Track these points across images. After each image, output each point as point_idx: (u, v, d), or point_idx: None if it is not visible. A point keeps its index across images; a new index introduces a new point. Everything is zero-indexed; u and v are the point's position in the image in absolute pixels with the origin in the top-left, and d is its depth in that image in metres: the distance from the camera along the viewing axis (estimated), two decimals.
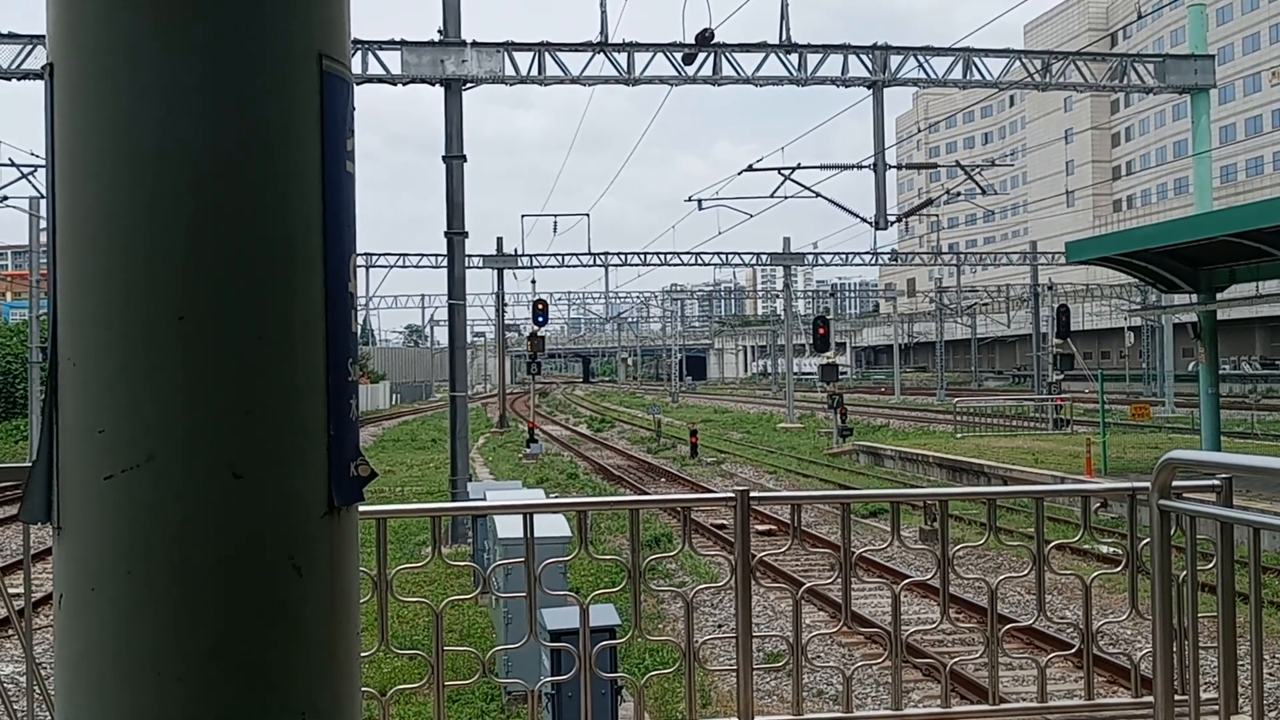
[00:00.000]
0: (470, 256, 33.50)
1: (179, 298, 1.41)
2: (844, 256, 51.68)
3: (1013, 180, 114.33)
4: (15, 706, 4.42)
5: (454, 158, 20.10)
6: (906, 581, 6.38)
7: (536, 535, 5.05)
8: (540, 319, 41.55)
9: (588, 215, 48.15)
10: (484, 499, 13.88)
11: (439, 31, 20.17)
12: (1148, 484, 4.68)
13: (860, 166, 24.38)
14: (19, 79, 20.12)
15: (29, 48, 19.90)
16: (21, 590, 4.57)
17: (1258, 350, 76.66)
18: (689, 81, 21.66)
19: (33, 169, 28.12)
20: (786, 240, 51.49)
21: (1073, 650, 5.62)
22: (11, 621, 8.82)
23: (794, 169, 24.55)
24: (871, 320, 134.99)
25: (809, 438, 43.40)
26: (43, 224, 29.48)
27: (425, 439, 47.93)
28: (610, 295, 62.10)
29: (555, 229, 49.65)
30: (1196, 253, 20.72)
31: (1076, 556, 15.43)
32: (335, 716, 1.53)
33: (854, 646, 12.54)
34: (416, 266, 54.12)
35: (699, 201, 30.97)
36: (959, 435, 36.37)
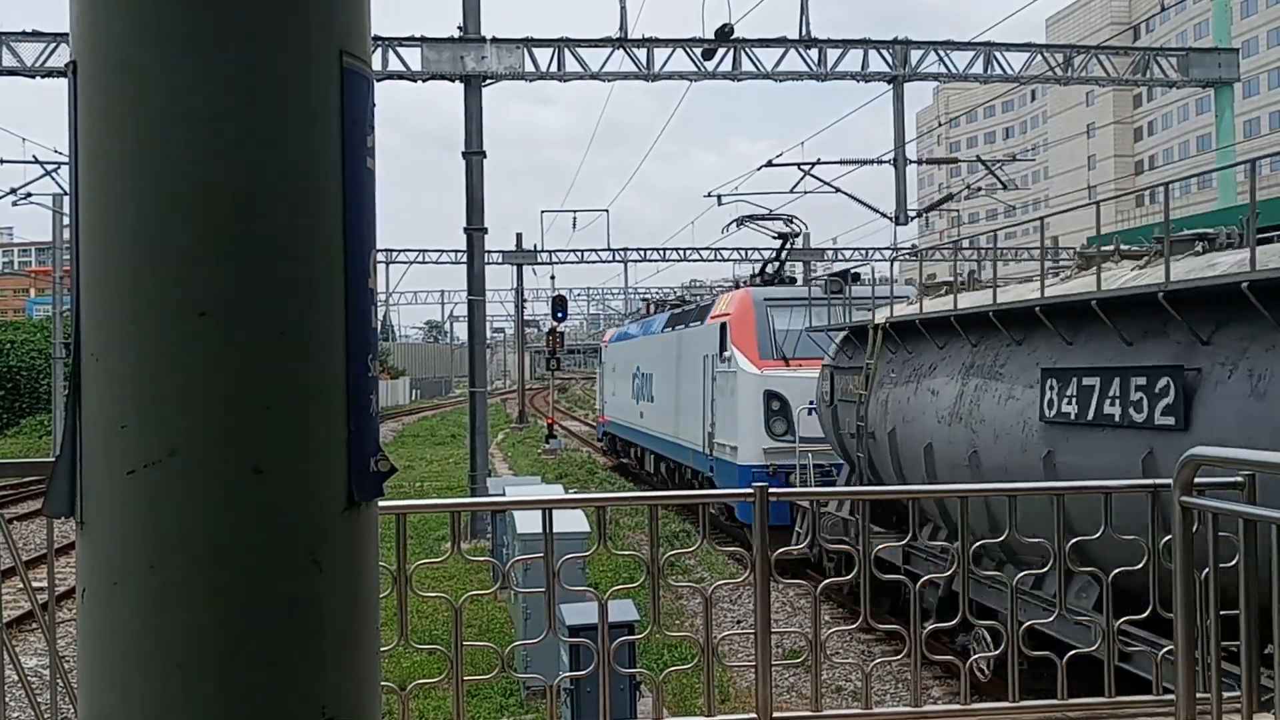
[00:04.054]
0: (490, 252, 33.54)
1: (201, 294, 1.42)
2: (864, 252, 51.52)
3: (1034, 175, 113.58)
4: (39, 699, 4.45)
5: (474, 154, 20.14)
6: (925, 579, 6.36)
7: (555, 531, 5.06)
8: (560, 315, 41.59)
9: (607, 211, 48.16)
10: (503, 495, 13.91)
11: (459, 28, 20.20)
12: (1170, 481, 4.65)
13: (880, 162, 24.27)
14: (43, 76, 20.23)
15: (52, 45, 20.01)
16: (45, 584, 4.61)
17: None
18: (708, 77, 21.61)
19: (56, 166, 28.28)
20: (806, 236, 51.34)
21: (1094, 647, 5.59)
22: (36, 615, 8.88)
23: (813, 164, 24.41)
24: None
25: None
26: (66, 220, 29.64)
27: (445, 434, 48.05)
28: (630, 291, 61.95)
29: (575, 225, 49.56)
30: None
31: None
32: (355, 710, 1.54)
33: (872, 643, 12.52)
34: (436, 262, 54.15)
35: (718, 197, 30.91)
36: None
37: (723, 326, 19.85)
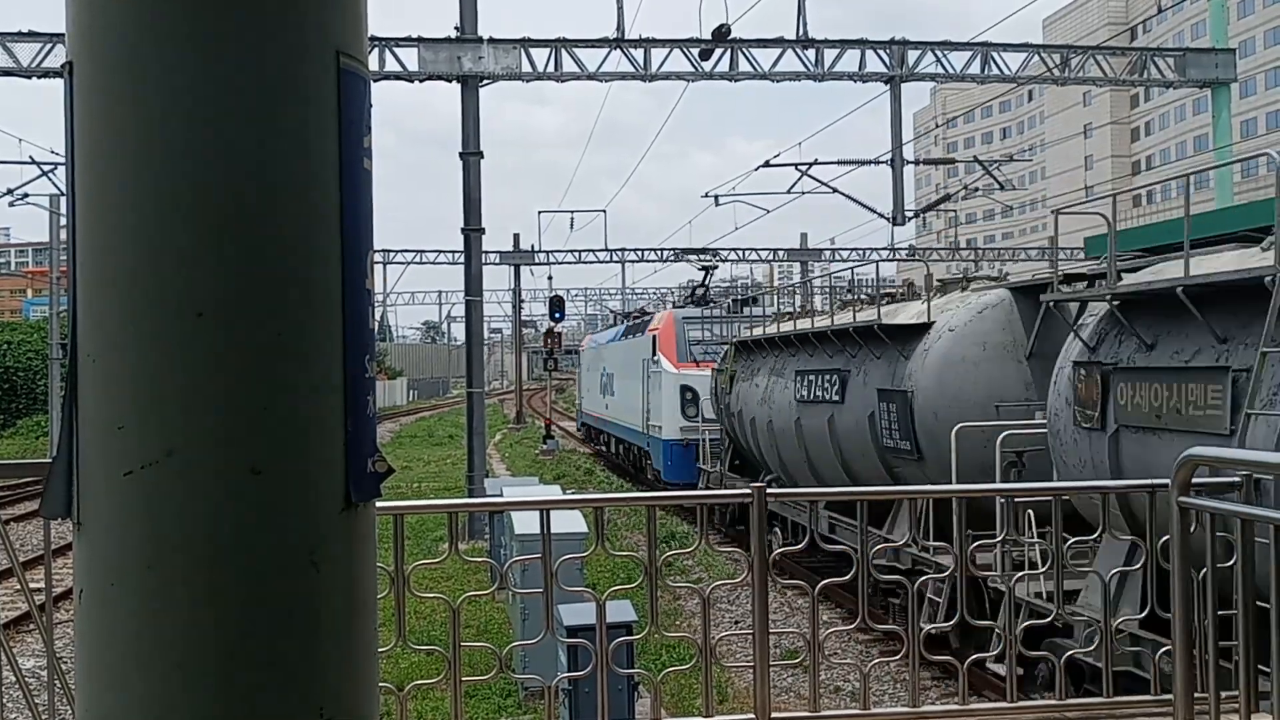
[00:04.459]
0: (487, 253, 33.56)
1: (198, 295, 1.41)
2: (861, 253, 51.54)
3: (1031, 175, 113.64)
4: (37, 701, 4.45)
5: (471, 154, 20.12)
6: (923, 579, 6.36)
7: (553, 531, 5.05)
8: (557, 315, 41.54)
9: (604, 211, 48.03)
10: (501, 495, 13.91)
11: (456, 28, 20.19)
12: (1168, 481, 4.65)
13: (878, 162, 24.26)
14: (39, 77, 20.20)
15: (49, 46, 19.98)
16: (43, 585, 4.60)
17: None
18: (705, 77, 21.59)
19: (53, 166, 28.23)
20: (803, 236, 51.28)
21: (1092, 646, 5.60)
22: (33, 616, 8.88)
23: (811, 165, 24.42)
24: None
25: None
26: (63, 221, 29.60)
27: (442, 435, 48.04)
28: (627, 291, 61.89)
29: (572, 225, 49.53)
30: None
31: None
32: (353, 711, 1.54)
33: (870, 644, 12.52)
34: (434, 263, 53.96)
35: (715, 198, 30.89)
36: None
37: (654, 338, 26.80)
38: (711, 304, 29.44)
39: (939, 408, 12.46)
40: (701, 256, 35.14)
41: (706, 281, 32.45)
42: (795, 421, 16.85)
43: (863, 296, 19.05)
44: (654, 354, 26.38)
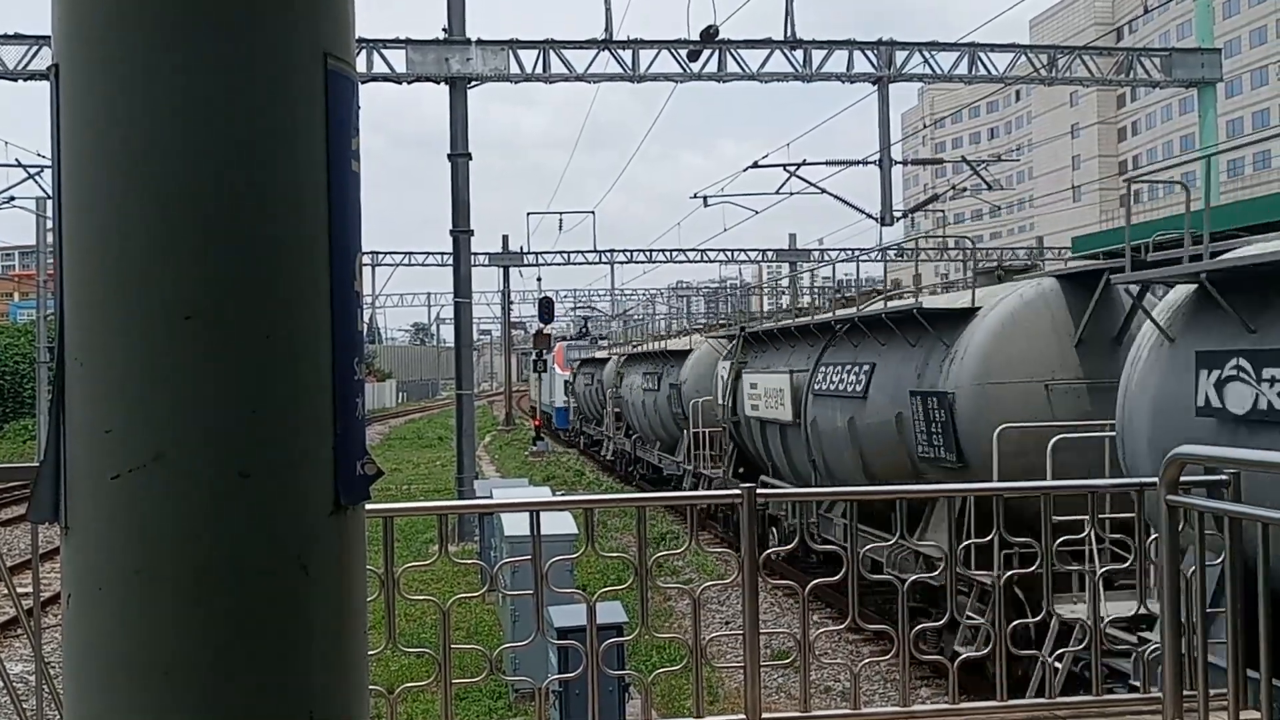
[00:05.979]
0: (476, 254, 33.61)
1: (186, 297, 1.41)
2: (850, 253, 51.60)
3: (1019, 175, 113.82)
4: (25, 705, 4.43)
5: (459, 156, 20.11)
6: (912, 578, 6.36)
7: (543, 533, 5.04)
8: (546, 316, 41.68)
9: (593, 213, 48.10)
10: (490, 497, 13.88)
11: (443, 30, 20.16)
12: (1156, 479, 4.66)
13: (866, 162, 24.26)
14: (25, 79, 20.11)
15: (35, 48, 19.89)
16: (30, 589, 4.58)
17: None
18: (694, 78, 21.60)
19: (39, 169, 28.09)
20: (792, 236, 51.32)
21: (1081, 645, 5.61)
22: (21, 621, 8.83)
23: (799, 165, 24.44)
24: None
25: None
26: (49, 224, 29.46)
27: (431, 437, 48.01)
28: (616, 293, 61.92)
29: (561, 226, 49.89)
30: None
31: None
32: (343, 714, 1.53)
33: (861, 644, 12.54)
34: (422, 265, 53.81)
35: (704, 199, 30.91)
36: None
37: (554, 355, 48.80)
38: (586, 335, 54.29)
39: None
40: (588, 306, 61.85)
41: (586, 325, 58.57)
42: (614, 391, 33.47)
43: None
44: (552, 364, 48.81)
